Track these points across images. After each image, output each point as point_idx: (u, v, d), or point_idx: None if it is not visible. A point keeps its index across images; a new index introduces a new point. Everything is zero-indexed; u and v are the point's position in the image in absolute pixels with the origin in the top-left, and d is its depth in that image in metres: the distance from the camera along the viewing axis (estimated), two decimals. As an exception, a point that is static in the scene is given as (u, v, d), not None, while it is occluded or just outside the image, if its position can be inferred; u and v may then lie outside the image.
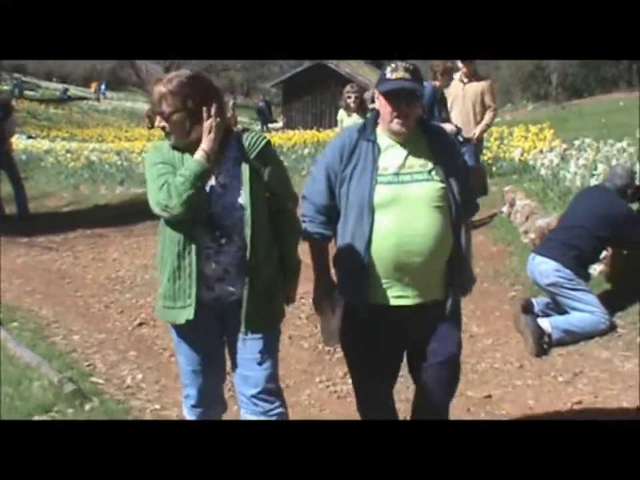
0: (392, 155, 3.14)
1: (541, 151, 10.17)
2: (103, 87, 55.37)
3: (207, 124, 2.89)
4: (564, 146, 10.04)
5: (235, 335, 3.12)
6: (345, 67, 35.55)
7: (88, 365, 5.42)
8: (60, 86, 53.34)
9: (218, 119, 2.89)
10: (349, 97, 9.21)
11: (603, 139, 9.94)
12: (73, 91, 53.19)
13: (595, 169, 7.89)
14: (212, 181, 2.97)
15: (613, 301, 5.80)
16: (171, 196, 2.83)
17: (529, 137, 11.57)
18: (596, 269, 6.20)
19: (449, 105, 8.15)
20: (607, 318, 5.56)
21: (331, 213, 3.25)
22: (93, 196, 14.16)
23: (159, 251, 3.12)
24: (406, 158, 3.13)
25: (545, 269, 5.60)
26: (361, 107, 9.46)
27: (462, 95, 8.32)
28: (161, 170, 2.94)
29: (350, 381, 5.01)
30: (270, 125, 33.34)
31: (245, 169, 2.96)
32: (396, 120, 3.08)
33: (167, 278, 3.03)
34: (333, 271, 3.39)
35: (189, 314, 3.00)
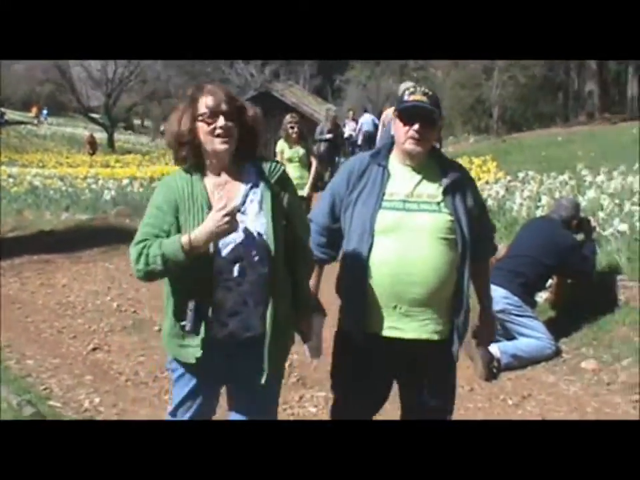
0: (402, 181, 3.06)
1: (487, 182, 10.47)
2: (44, 112, 54.73)
3: (217, 215, 2.62)
4: (508, 178, 10.37)
5: (242, 374, 2.91)
6: (291, 96, 35.72)
7: (44, 389, 5.40)
8: (-4, 110, 52.51)
9: (230, 217, 2.63)
10: (292, 127, 9.20)
11: (544, 172, 10.30)
12: (10, 115, 52.33)
13: (539, 200, 8.20)
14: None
15: (558, 328, 6.04)
16: (139, 260, 2.71)
17: (473, 168, 11.88)
18: (542, 297, 6.44)
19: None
20: (553, 343, 5.78)
21: (333, 236, 3.19)
22: (37, 221, 13.92)
23: (166, 290, 2.91)
24: (416, 186, 3.04)
25: (494, 296, 5.79)
26: (302, 137, 9.41)
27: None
28: (150, 219, 2.80)
29: (306, 404, 5.17)
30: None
31: (267, 195, 2.82)
32: (410, 140, 2.99)
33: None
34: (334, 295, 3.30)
35: (198, 352, 2.80)
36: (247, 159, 2.88)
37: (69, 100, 50.48)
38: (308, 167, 9.33)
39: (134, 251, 2.74)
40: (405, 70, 42.00)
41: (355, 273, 3.05)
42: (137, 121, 65.39)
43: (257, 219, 2.80)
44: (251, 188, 2.84)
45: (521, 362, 5.69)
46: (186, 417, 3.01)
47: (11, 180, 18.70)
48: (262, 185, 2.85)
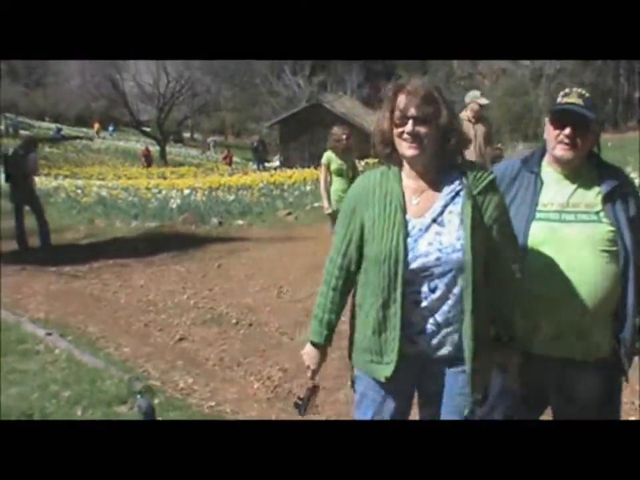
0: (556, 190, 2.85)
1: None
2: (110, 128, 56.86)
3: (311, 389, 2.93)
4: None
5: (431, 395, 2.76)
6: (340, 107, 36.28)
7: (143, 372, 6.05)
8: (53, 125, 54.05)
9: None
10: (347, 139, 8.88)
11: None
12: (66, 130, 53.88)
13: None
14: (426, 218, 2.61)
15: None
16: (325, 278, 2.83)
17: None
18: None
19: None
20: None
21: None
22: (109, 229, 14.86)
23: (357, 301, 2.81)
24: (572, 195, 2.82)
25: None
26: (351, 149, 9.05)
27: (474, 135, 8.88)
28: (340, 228, 2.79)
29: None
30: (267, 164, 34.13)
31: (467, 205, 2.56)
32: (560, 145, 2.79)
33: (372, 330, 2.66)
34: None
35: (388, 371, 2.65)
36: (449, 165, 2.66)
37: (120, 114, 51.82)
38: (353, 179, 8.71)
39: (326, 267, 2.83)
40: (451, 79, 42.38)
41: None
42: (186, 134, 66.69)
43: (454, 232, 2.57)
44: (452, 198, 2.62)
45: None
46: None
47: (79, 191, 19.63)
48: (464, 195, 2.59)
